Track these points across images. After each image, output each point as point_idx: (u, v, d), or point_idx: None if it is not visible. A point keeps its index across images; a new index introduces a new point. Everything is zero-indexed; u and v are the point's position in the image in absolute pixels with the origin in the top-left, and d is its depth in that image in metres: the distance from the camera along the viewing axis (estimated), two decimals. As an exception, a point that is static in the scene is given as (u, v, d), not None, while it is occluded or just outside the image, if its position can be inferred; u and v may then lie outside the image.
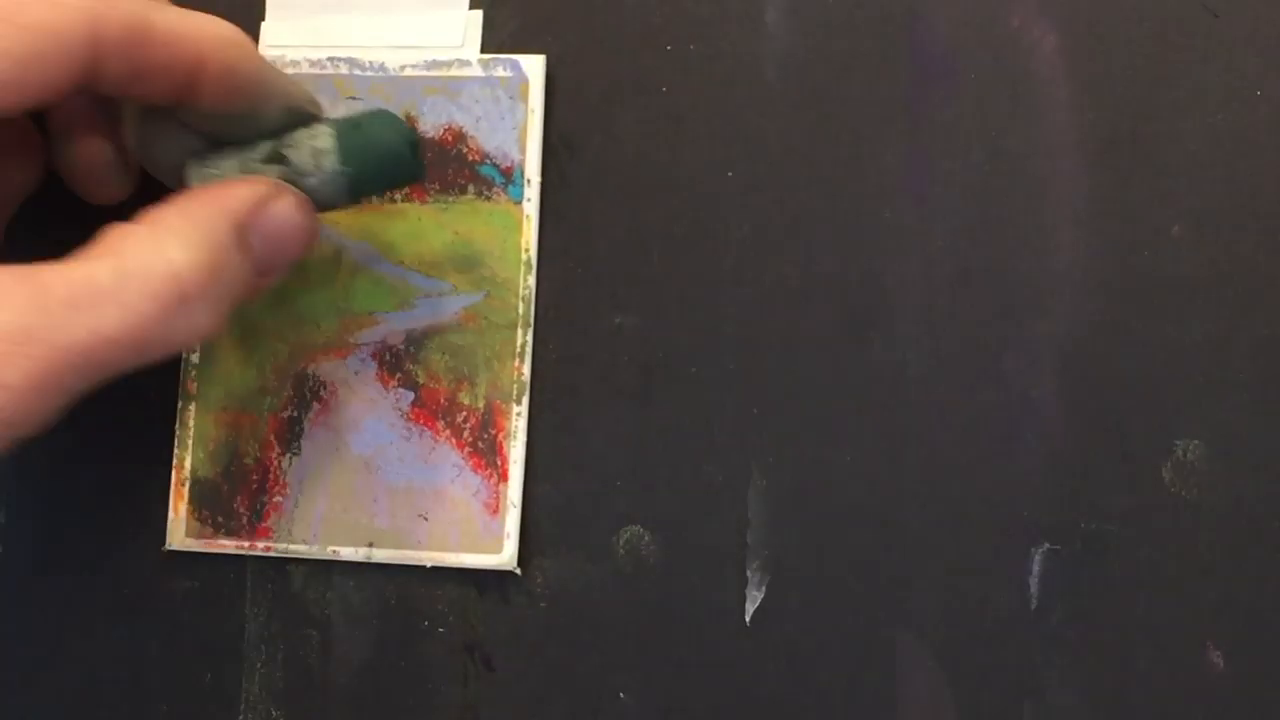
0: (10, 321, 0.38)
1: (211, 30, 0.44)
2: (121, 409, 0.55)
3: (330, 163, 0.46)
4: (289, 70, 0.54)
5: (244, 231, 0.44)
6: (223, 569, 0.54)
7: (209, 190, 0.45)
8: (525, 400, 0.52)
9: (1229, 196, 0.51)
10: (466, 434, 0.52)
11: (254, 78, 0.45)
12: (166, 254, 0.41)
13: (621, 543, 0.52)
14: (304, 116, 0.47)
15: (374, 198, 0.53)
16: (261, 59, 0.46)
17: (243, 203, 0.44)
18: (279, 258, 0.47)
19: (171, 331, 0.42)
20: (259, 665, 0.53)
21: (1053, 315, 0.51)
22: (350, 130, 0.46)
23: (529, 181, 0.53)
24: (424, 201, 0.54)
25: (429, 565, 0.52)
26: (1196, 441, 0.50)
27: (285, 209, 0.45)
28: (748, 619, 0.51)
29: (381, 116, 0.47)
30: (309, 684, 0.53)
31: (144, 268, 0.40)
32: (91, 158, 0.49)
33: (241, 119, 0.46)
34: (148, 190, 0.53)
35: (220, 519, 0.53)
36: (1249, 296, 0.51)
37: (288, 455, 0.54)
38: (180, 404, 0.54)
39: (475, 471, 0.52)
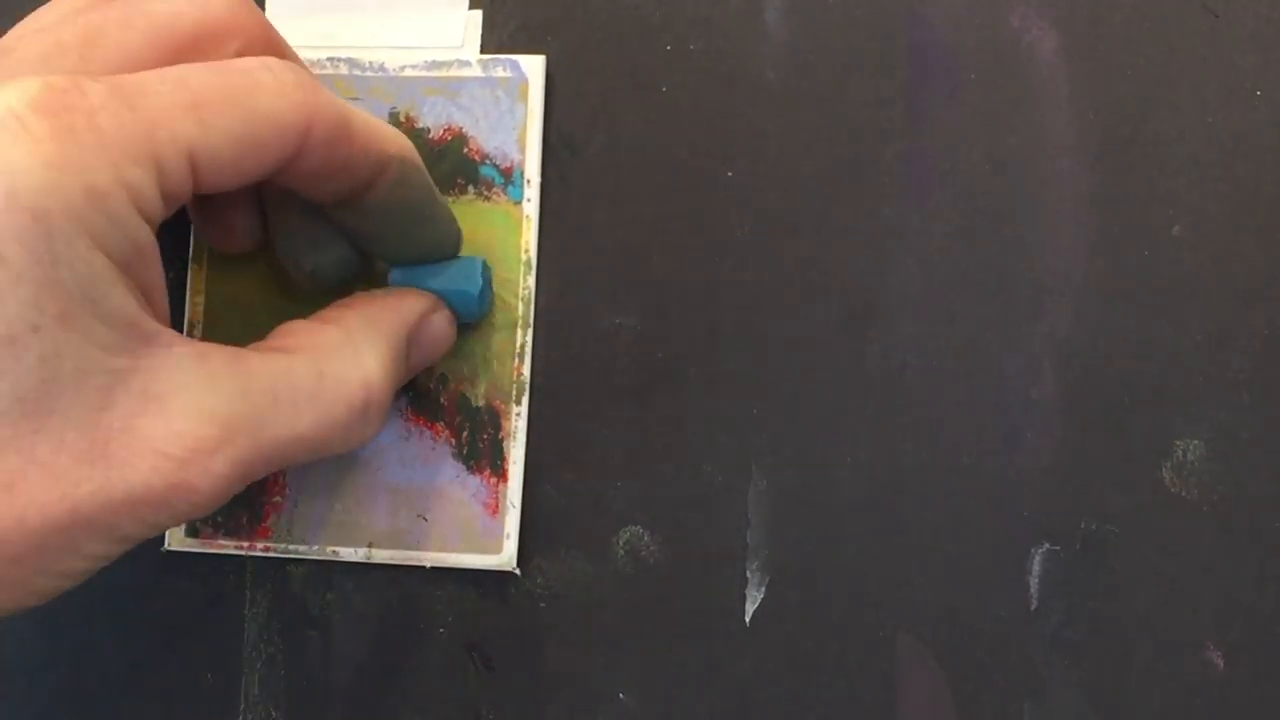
0: (222, 409, 0.39)
1: (396, 138, 0.45)
2: (121, 409, 0.55)
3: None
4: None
5: (410, 341, 0.47)
6: (222, 569, 0.54)
7: (385, 298, 0.47)
8: (525, 400, 0.52)
9: (1229, 196, 0.51)
10: (466, 434, 0.52)
11: (424, 194, 0.47)
12: (363, 363, 0.43)
13: (621, 543, 0.52)
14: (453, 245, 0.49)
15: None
16: (431, 183, 0.48)
17: (414, 314, 0.47)
18: (423, 365, 0.49)
19: (349, 435, 0.44)
20: (259, 665, 0.53)
21: (1053, 315, 0.51)
22: (488, 277, 0.51)
23: (529, 182, 0.53)
24: (424, 201, 0.54)
25: (429, 565, 0.52)
26: (1196, 441, 0.50)
27: (441, 322, 0.49)
28: (748, 619, 0.51)
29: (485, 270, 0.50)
30: (309, 684, 0.53)
31: (341, 374, 0.43)
32: (233, 220, 0.50)
33: (397, 229, 0.47)
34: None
35: (220, 519, 0.53)
36: (1249, 296, 0.51)
37: (288, 455, 0.53)
38: (180, 404, 0.54)
39: (475, 472, 0.52)
